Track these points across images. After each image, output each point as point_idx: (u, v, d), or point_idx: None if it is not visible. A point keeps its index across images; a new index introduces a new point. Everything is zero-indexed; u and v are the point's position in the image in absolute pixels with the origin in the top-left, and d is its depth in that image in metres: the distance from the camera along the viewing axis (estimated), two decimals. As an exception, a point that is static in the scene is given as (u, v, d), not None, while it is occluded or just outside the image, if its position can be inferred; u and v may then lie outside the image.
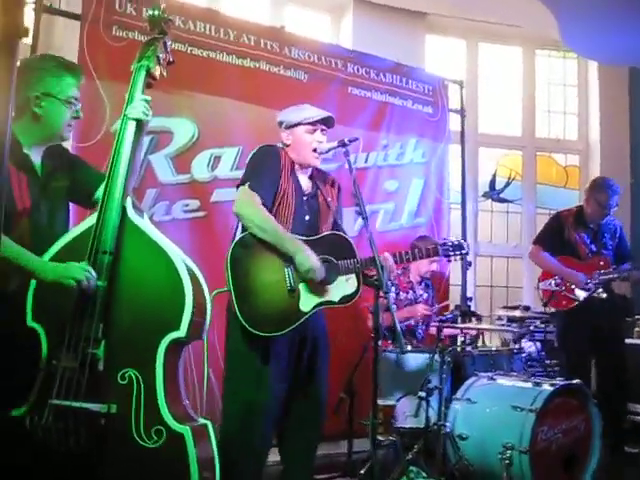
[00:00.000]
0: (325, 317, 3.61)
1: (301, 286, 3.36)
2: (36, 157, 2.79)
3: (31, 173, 2.75)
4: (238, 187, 3.47)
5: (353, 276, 3.43)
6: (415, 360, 4.44)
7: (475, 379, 4.40)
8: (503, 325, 6.67)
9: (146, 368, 2.53)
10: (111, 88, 4.41)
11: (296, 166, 3.59)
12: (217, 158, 4.91)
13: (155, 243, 2.65)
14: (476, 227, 7.26)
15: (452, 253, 3.77)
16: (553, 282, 5.36)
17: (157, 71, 2.86)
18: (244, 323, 3.23)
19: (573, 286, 5.31)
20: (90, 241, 2.59)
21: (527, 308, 6.88)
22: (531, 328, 6.05)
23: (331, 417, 4.12)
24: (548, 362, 5.64)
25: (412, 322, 5.02)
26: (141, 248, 2.65)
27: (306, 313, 3.34)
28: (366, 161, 5.64)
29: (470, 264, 6.13)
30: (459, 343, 5.02)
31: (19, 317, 2.56)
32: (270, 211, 3.39)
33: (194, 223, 4.76)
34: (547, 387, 4.06)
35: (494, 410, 4.16)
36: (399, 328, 3.09)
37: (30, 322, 2.57)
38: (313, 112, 3.62)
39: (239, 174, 4.82)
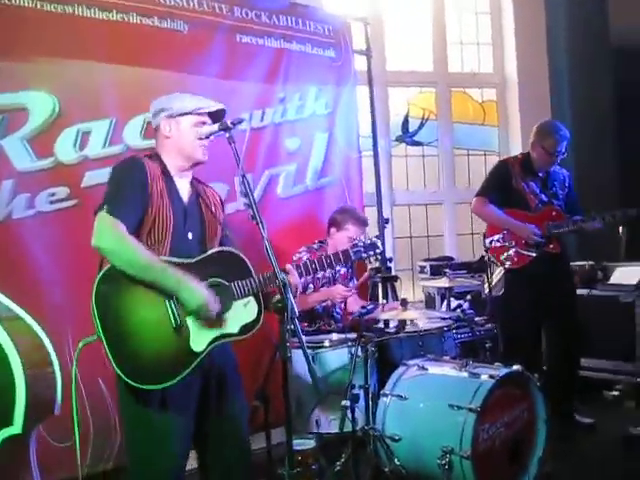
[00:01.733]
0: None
1: (189, 320, 2.76)
2: None
3: None
4: (95, 214, 2.77)
5: (252, 299, 2.86)
6: (335, 356, 3.88)
7: (404, 369, 3.90)
8: (424, 278, 6.26)
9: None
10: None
11: (172, 172, 2.93)
12: (85, 135, 4.13)
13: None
14: (390, 174, 6.69)
15: (365, 255, 3.26)
16: (500, 237, 4.86)
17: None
18: (125, 378, 2.61)
19: (524, 240, 4.84)
20: None
21: (450, 259, 6.46)
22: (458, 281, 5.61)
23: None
24: (479, 319, 5.18)
25: (329, 302, 4.48)
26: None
27: (200, 353, 2.75)
28: (262, 119, 4.93)
29: (387, 221, 5.65)
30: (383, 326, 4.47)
31: None
32: (140, 237, 2.75)
33: (64, 215, 4.01)
34: (486, 378, 3.59)
35: (429, 407, 3.69)
36: (312, 366, 2.51)
37: None
38: (204, 102, 3.00)
39: (114, 151, 4.21)
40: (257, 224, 2.64)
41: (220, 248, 2.96)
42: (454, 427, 3.45)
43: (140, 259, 2.67)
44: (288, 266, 2.99)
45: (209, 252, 2.90)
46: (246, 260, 2.92)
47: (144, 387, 2.65)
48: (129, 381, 2.62)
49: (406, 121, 6.85)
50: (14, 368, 1.90)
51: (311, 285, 4.48)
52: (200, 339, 2.75)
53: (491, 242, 4.91)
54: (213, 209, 3.02)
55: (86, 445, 3.93)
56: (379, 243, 3.28)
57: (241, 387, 3.06)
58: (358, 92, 5.63)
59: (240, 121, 2.91)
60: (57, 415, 2.74)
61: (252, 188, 2.74)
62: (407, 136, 6.86)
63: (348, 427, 3.63)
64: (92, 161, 4.12)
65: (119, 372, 2.61)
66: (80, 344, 2.69)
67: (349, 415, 3.55)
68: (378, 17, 6.54)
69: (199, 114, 2.94)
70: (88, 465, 3.91)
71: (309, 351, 3.69)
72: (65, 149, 4.07)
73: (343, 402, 3.54)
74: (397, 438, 3.65)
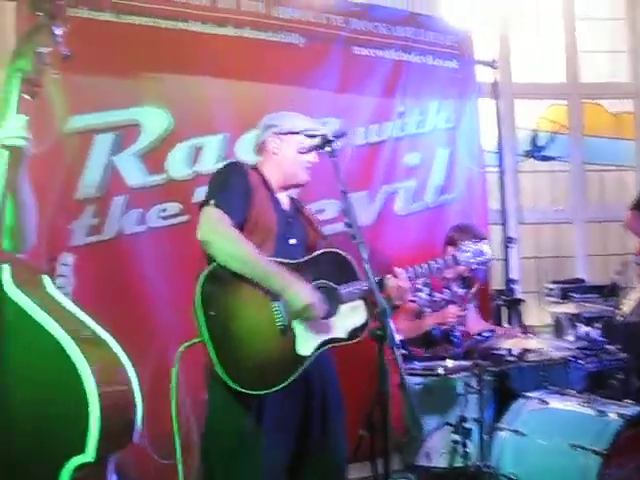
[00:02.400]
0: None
1: (296, 323, 2.63)
2: None
3: None
4: (201, 208, 2.71)
5: (360, 302, 2.72)
6: (449, 383, 3.64)
7: (523, 402, 3.61)
8: (552, 302, 5.88)
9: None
10: (61, 80, 3.62)
11: (273, 186, 2.86)
12: (198, 150, 4.12)
13: (43, 330, 1.85)
14: (517, 191, 6.34)
15: (473, 260, 3.07)
16: None
17: (40, 74, 2.02)
18: (228, 381, 2.50)
19: None
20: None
21: (580, 281, 6.05)
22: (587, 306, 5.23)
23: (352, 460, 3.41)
24: (609, 347, 4.78)
25: (447, 326, 4.24)
26: (25, 340, 1.86)
27: (307, 357, 2.62)
28: (379, 134, 4.77)
29: (512, 241, 5.33)
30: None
31: None
32: (245, 233, 2.66)
33: (175, 231, 3.99)
34: (613, 417, 3.25)
35: (549, 447, 3.36)
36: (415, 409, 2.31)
37: None
38: (314, 124, 2.93)
39: (227, 166, 4.15)
40: (358, 244, 2.46)
41: (326, 249, 2.84)
42: (576, 470, 3.14)
43: (246, 254, 2.59)
44: (397, 269, 2.84)
45: (315, 253, 2.80)
46: (352, 262, 2.78)
47: (248, 391, 2.53)
48: (235, 386, 2.51)
49: (535, 135, 6.49)
50: (90, 397, 1.78)
51: (428, 309, 4.26)
52: (307, 343, 2.63)
53: None
54: (314, 224, 2.94)
55: (191, 460, 3.86)
56: (487, 248, 3.07)
57: (342, 406, 2.91)
58: (482, 105, 5.38)
59: (342, 134, 2.80)
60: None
61: (353, 207, 2.55)
62: (536, 151, 6.49)
63: (459, 462, 3.40)
64: (204, 176, 4.03)
65: (224, 376, 2.51)
66: (181, 347, 2.61)
67: (460, 450, 3.31)
68: (503, 26, 6.23)
69: (308, 136, 2.84)
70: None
71: (420, 379, 3.57)
72: (177, 165, 4.05)
73: (453, 437, 3.31)
74: (513, 478, 3.37)
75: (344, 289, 2.72)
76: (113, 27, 3.91)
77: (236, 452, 2.64)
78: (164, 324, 3.80)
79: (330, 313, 2.69)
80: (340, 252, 2.82)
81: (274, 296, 2.62)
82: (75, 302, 3.63)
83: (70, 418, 1.79)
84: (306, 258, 2.77)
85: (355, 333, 2.73)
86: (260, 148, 2.97)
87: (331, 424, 2.82)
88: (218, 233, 2.62)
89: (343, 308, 2.72)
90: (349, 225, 2.48)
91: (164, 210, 3.99)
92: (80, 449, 1.78)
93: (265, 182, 2.84)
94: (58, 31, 2.05)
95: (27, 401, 1.82)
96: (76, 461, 1.78)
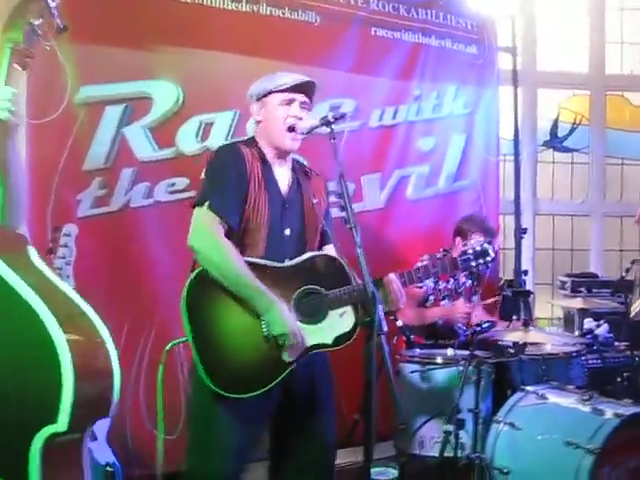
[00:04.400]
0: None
1: None
2: None
3: None
4: (194, 207, 2.67)
5: (348, 309, 2.68)
6: (446, 374, 3.61)
7: (521, 396, 3.55)
8: (564, 295, 5.83)
9: (16, 476, 1.79)
10: (73, 50, 3.63)
11: (270, 159, 2.78)
12: (208, 126, 4.09)
13: (19, 297, 1.84)
14: (535, 181, 6.27)
15: (474, 264, 2.96)
16: None
17: (32, 45, 2.01)
18: (210, 384, 2.51)
19: None
20: None
21: (594, 275, 5.98)
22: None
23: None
24: (619, 345, 4.73)
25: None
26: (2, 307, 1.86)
27: (291, 363, 2.60)
28: (394, 117, 4.72)
29: (525, 231, 5.26)
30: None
31: None
32: (237, 235, 2.64)
33: (182, 206, 3.91)
34: (610, 417, 3.20)
35: (543, 442, 3.31)
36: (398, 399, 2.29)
37: None
38: (288, 78, 2.78)
39: (236, 144, 4.13)
40: (350, 229, 2.43)
41: (318, 253, 2.80)
42: (569, 466, 3.09)
43: (232, 270, 2.56)
44: (390, 275, 2.78)
45: (306, 256, 2.74)
46: (345, 266, 2.71)
47: (229, 395, 2.54)
48: (216, 389, 2.52)
49: (555, 125, 6.40)
50: (62, 363, 1.78)
51: (432, 297, 4.23)
52: (292, 349, 2.59)
53: None
54: (314, 200, 2.81)
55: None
56: (491, 250, 2.98)
57: (331, 398, 2.90)
58: (503, 93, 5.30)
59: (342, 116, 2.72)
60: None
61: (349, 191, 2.51)
62: (556, 141, 6.41)
63: (451, 451, 3.38)
64: (214, 153, 4.06)
65: (205, 379, 2.52)
66: (168, 346, 2.68)
67: (452, 441, 3.29)
68: (529, 13, 6.12)
69: (281, 91, 2.75)
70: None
71: (418, 367, 3.55)
72: (187, 139, 4.03)
73: (445, 427, 3.29)
74: (505, 471, 3.33)
75: (333, 294, 2.68)
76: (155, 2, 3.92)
77: (214, 443, 2.64)
78: (165, 298, 3.79)
79: (318, 319, 2.66)
80: (331, 256, 2.78)
81: None
82: (76, 273, 3.67)
83: (43, 387, 1.80)
84: (298, 262, 2.71)
85: (340, 340, 2.69)
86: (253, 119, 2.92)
87: (318, 405, 2.81)
88: (208, 244, 2.59)
89: (331, 314, 2.68)
90: (343, 208, 2.45)
91: (172, 185, 3.97)
92: (53, 419, 1.79)
93: (261, 157, 2.76)
94: (53, 3, 2.03)
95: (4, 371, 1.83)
96: (48, 430, 1.79)
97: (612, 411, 3.24)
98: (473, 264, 2.95)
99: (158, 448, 2.93)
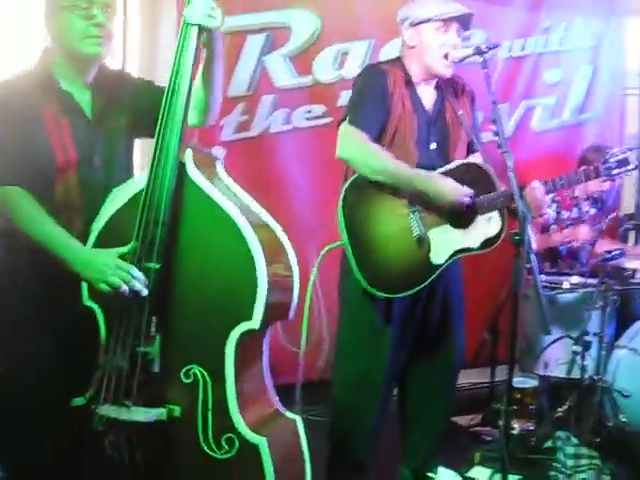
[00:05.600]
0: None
1: (432, 233, 2.77)
2: (81, 93, 2.24)
3: (76, 115, 2.21)
4: (339, 125, 2.82)
5: (495, 213, 2.80)
6: (572, 299, 3.74)
7: (644, 323, 3.68)
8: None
9: (214, 365, 2.05)
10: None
11: (415, 80, 2.87)
12: (344, 55, 4.23)
13: (221, 211, 2.07)
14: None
15: (617, 172, 3.01)
16: None
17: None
18: (365, 284, 2.71)
19: None
20: (140, 210, 2.06)
21: None
22: None
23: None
24: None
25: (574, 244, 4.28)
26: (203, 219, 2.09)
27: (440, 266, 2.77)
28: (523, 48, 4.74)
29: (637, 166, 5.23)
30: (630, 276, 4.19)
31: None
32: (382, 146, 2.75)
33: (319, 132, 4.16)
34: None
35: (666, 367, 3.45)
36: (542, 300, 2.44)
37: (86, 300, 2.13)
38: (448, 7, 2.81)
39: (370, 73, 4.26)
40: (503, 153, 2.57)
41: (466, 160, 2.91)
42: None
43: (385, 164, 2.69)
44: (535, 182, 2.88)
45: (455, 163, 2.86)
46: (492, 174, 2.83)
47: (383, 294, 2.72)
48: (369, 288, 2.70)
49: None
50: (258, 269, 2.01)
51: (554, 226, 4.31)
52: (441, 251, 2.76)
53: None
54: (460, 113, 2.90)
55: (318, 352, 4.12)
56: (633, 157, 3.03)
57: (463, 318, 3.05)
58: (630, 24, 5.22)
59: (495, 46, 2.81)
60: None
61: (501, 117, 2.63)
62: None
63: (576, 373, 3.53)
64: (349, 81, 4.12)
65: (361, 279, 2.70)
66: (324, 250, 2.80)
67: (579, 362, 3.44)
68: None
69: (442, 20, 2.79)
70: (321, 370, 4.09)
71: (546, 291, 3.68)
72: (324, 68, 4.19)
73: (574, 347, 3.43)
74: (626, 394, 3.49)
75: (482, 200, 2.79)
76: None
77: (365, 342, 2.84)
78: (304, 222, 4.03)
79: (466, 224, 2.79)
80: (480, 164, 2.86)
81: (412, 205, 2.76)
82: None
83: (242, 290, 2.03)
84: (447, 168, 2.82)
85: (487, 243, 2.81)
86: (402, 43, 2.96)
87: (450, 325, 2.98)
88: (356, 150, 2.73)
89: (479, 218, 2.80)
90: (496, 134, 2.57)
91: (309, 111, 4.16)
92: (248, 316, 2.03)
93: (406, 77, 2.85)
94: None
95: (203, 273, 2.08)
96: (245, 326, 2.04)
97: None
98: (615, 172, 3.00)
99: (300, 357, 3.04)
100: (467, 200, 2.73)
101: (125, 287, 2.00)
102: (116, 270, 2.01)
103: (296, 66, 4.13)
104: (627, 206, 5.29)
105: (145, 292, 2.02)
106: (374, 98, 2.78)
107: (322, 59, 4.18)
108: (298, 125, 4.15)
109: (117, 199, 2.15)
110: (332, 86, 4.20)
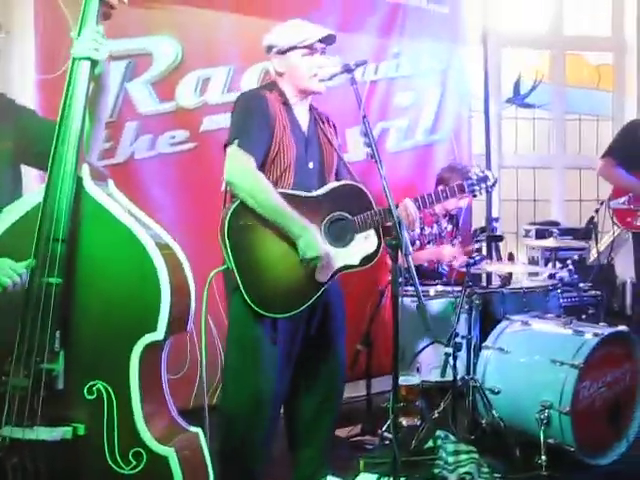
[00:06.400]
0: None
1: None
2: None
3: None
4: (226, 147, 2.87)
5: (372, 232, 2.94)
6: (439, 304, 3.93)
7: (507, 324, 3.90)
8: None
9: (118, 379, 2.05)
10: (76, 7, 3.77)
11: (291, 101, 2.99)
12: (205, 81, 4.27)
13: (120, 223, 2.09)
14: (500, 136, 6.61)
15: (478, 188, 3.27)
16: (625, 200, 4.76)
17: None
18: (253, 305, 2.74)
19: None
20: (37, 226, 2.05)
21: (556, 224, 6.36)
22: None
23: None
24: (582, 285, 5.10)
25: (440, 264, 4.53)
26: (103, 232, 2.11)
27: (324, 283, 2.86)
28: (376, 72, 4.97)
29: (495, 183, 5.58)
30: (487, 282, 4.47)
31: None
32: (264, 168, 2.85)
33: (183, 157, 4.18)
34: (590, 337, 3.56)
35: (530, 362, 3.69)
36: (422, 301, 2.57)
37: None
38: (310, 32, 2.96)
39: (232, 98, 4.29)
40: (375, 162, 2.70)
41: (343, 182, 3.04)
42: (555, 382, 3.45)
43: (270, 201, 2.75)
44: (406, 200, 3.04)
45: (332, 185, 2.98)
46: (367, 193, 2.98)
47: (271, 315, 2.77)
48: (258, 309, 2.74)
49: (517, 83, 6.74)
50: (162, 279, 2.04)
51: (418, 241, 4.52)
52: (324, 270, 2.83)
53: (616, 204, 4.81)
54: (330, 136, 3.06)
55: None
56: (491, 175, 3.28)
57: (344, 327, 3.16)
58: (471, 51, 5.58)
59: (363, 63, 2.95)
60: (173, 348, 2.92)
61: (372, 130, 2.77)
62: (518, 98, 6.76)
63: (449, 376, 3.69)
64: (211, 107, 4.25)
65: (249, 300, 2.73)
66: (212, 273, 2.79)
67: (451, 362, 3.60)
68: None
69: (306, 47, 2.93)
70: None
71: (413, 300, 3.84)
72: (186, 94, 4.21)
73: (446, 349, 3.60)
74: (496, 391, 3.69)
75: (359, 219, 2.93)
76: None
77: (253, 361, 2.86)
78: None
79: (346, 242, 2.91)
80: (355, 184, 3.01)
81: None
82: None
83: (146, 301, 2.06)
84: (326, 190, 2.94)
85: (366, 260, 2.95)
86: (273, 69, 3.05)
87: (332, 339, 3.08)
88: (245, 179, 2.77)
89: (357, 237, 2.93)
90: (369, 145, 2.70)
91: (173, 137, 4.16)
92: (153, 328, 2.05)
93: (283, 99, 2.95)
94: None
95: (106, 286, 2.09)
96: (149, 338, 2.06)
97: (592, 331, 3.61)
98: (477, 188, 3.24)
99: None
100: (325, 264, 2.81)
101: (11, 285, 1.99)
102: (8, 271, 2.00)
103: (158, 92, 4.12)
104: (478, 220, 5.64)
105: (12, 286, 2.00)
106: (259, 123, 2.85)
107: (184, 85, 4.19)
108: (162, 151, 4.13)
109: (6, 218, 2.12)
110: (195, 111, 4.23)
